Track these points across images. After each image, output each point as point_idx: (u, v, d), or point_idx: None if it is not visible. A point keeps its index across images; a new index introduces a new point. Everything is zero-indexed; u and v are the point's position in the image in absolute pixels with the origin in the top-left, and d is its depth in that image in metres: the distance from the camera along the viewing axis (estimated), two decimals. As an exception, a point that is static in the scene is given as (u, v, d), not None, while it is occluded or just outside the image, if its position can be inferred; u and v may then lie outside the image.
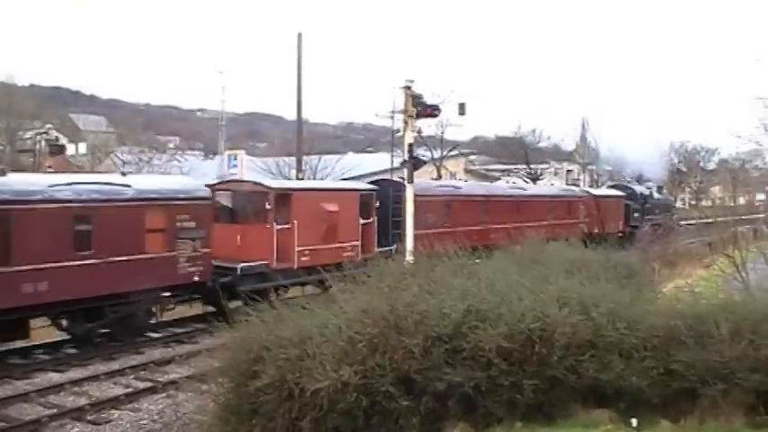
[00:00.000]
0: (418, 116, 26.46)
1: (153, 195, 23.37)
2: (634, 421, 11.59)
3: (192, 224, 24.04)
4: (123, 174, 26.75)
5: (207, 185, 27.09)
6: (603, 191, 60.18)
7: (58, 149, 32.21)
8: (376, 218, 31.17)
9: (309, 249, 27.62)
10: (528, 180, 79.06)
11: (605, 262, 18.76)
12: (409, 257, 21.85)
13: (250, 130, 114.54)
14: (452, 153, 70.57)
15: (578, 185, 65.49)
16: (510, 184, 59.58)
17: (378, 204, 31.32)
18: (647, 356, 11.99)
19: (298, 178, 42.25)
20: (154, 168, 46.01)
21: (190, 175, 49.29)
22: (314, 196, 29.41)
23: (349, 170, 51.04)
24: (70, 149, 46.21)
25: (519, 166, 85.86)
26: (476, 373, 11.40)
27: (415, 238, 26.43)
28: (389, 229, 31.42)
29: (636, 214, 56.86)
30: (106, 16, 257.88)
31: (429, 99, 27.42)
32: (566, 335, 11.83)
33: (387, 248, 28.82)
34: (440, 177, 58.08)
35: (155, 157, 59.87)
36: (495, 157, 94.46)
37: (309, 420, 11.08)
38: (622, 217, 55.64)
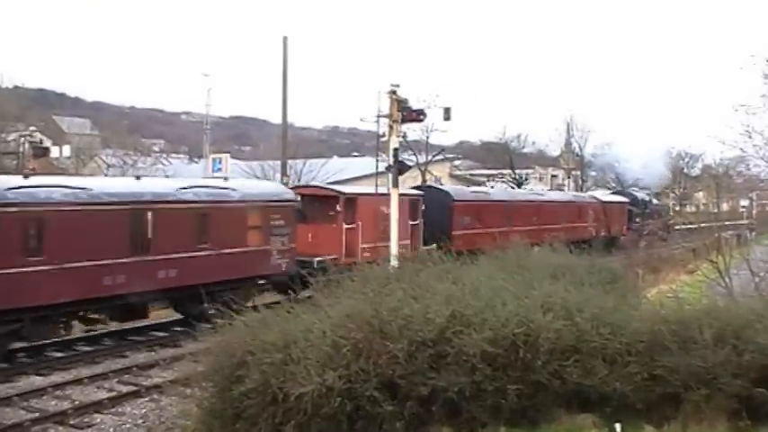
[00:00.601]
0: (403, 121, 26.45)
1: (253, 198, 27.14)
2: (618, 426, 11.64)
3: (282, 223, 27.64)
4: (225, 179, 30.10)
5: (284, 189, 31.40)
6: (609, 197, 63.32)
7: (41, 152, 32.09)
8: (422, 220, 35.44)
9: (370, 246, 30.95)
10: (513, 186, 79.22)
11: (589, 267, 18.81)
12: (394, 262, 21.82)
13: (235, 134, 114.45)
14: (437, 158, 70.65)
15: (563, 191, 67.50)
16: (528, 191, 63.45)
17: (424, 208, 35.70)
18: (630, 362, 12.05)
19: (282, 182, 42.22)
20: (138, 172, 45.76)
21: (174, 178, 49.18)
22: (374, 201, 32.23)
23: (334, 174, 51.02)
24: (54, 152, 45.98)
25: (504, 172, 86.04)
26: (460, 378, 11.41)
27: (454, 236, 34.51)
28: (434, 230, 35.05)
29: (638, 219, 60.53)
30: (91, 18, 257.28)
31: (414, 104, 27.44)
32: (550, 340, 11.86)
33: (430, 246, 30.90)
34: (425, 182, 58.07)
35: (139, 160, 59.64)
36: (480, 162, 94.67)
37: (293, 425, 11.05)
38: (626, 221, 59.37)
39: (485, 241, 31.76)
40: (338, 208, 31.21)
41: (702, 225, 37.17)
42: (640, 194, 66.47)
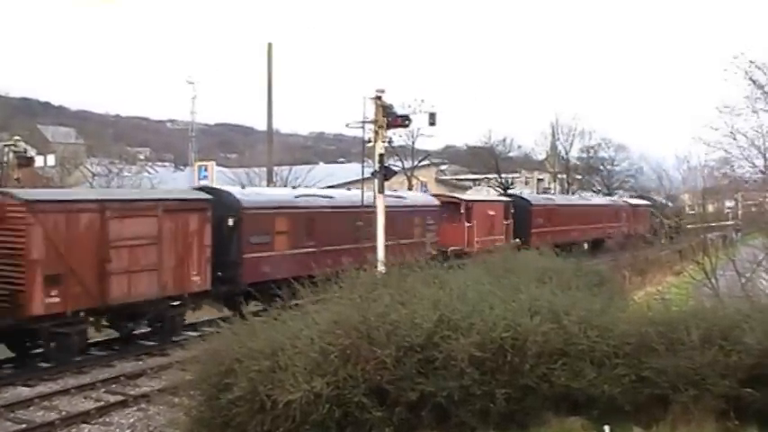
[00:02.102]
0: (389, 126, 26.42)
1: (415, 204, 38.52)
2: (607, 429, 11.67)
3: (432, 222, 38.31)
4: (348, 189, 37.76)
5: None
6: (636, 201, 73.63)
7: (26, 161, 31.87)
8: (513, 220, 46.91)
9: (481, 239, 42.14)
10: (499, 190, 79.40)
11: (576, 270, 18.85)
12: (381, 267, 21.80)
13: (221, 141, 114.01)
14: (423, 163, 70.66)
15: (549, 194, 69.85)
16: (578, 197, 74.35)
17: (513, 211, 47.40)
18: (618, 364, 12.07)
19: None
20: (124, 180, 45.59)
21: (160, 186, 49.02)
22: (483, 205, 45.34)
23: (320, 181, 51.00)
24: (39, 161, 45.68)
25: (490, 176, 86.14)
26: (448, 383, 11.41)
27: (533, 233, 46.26)
28: (520, 228, 46.53)
29: (657, 219, 65.76)
30: (75, 27, 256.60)
31: (399, 109, 27.43)
32: (537, 343, 11.89)
33: (517, 240, 42.69)
34: (411, 188, 58.16)
35: (125, 168, 59.39)
36: (466, 166, 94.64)
37: (282, 432, 11.02)
38: (648, 221, 66.62)
39: (553, 237, 43.93)
40: (461, 211, 42.48)
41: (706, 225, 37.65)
42: (659, 198, 72.97)
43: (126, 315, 23.05)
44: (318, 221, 29.72)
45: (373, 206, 26.36)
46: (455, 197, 46.06)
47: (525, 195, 56.49)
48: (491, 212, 44.90)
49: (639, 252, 47.62)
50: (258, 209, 27.35)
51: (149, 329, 24.48)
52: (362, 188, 29.19)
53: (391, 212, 29.56)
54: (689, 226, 42.37)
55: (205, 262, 24.87)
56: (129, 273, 22.17)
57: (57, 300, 20.09)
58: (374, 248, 25.69)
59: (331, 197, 32.86)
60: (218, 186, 31.93)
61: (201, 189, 29.02)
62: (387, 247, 25.89)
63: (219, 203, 26.14)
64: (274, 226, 27.78)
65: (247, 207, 27.01)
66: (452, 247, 38.14)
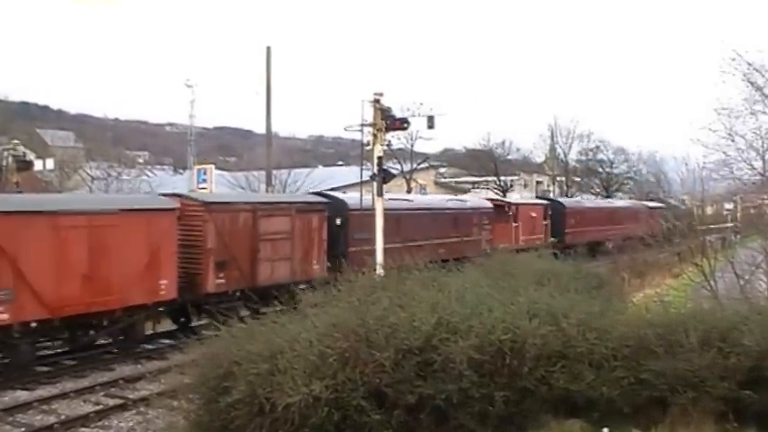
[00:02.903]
0: (387, 129, 26.44)
1: (474, 207, 44.53)
2: (605, 431, 11.65)
3: (487, 222, 44.00)
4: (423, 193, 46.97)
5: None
6: (653, 204, 76.17)
7: (25, 165, 31.86)
8: (550, 221, 52.80)
9: (525, 238, 48.60)
10: (498, 192, 79.45)
11: (575, 273, 18.88)
12: (380, 270, 21.80)
13: (219, 145, 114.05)
14: (422, 166, 70.70)
15: (548, 196, 70.34)
16: (606, 200, 78.91)
17: (550, 213, 53.52)
18: (617, 366, 12.07)
19: (267, 192, 42.22)
20: (123, 184, 45.62)
21: (159, 189, 49.06)
22: (527, 208, 51.77)
23: (319, 184, 51.02)
24: (38, 165, 45.69)
25: (488, 179, 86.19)
26: (447, 386, 11.41)
27: (566, 233, 53.33)
28: (556, 228, 52.95)
29: (668, 221, 69.82)
30: (74, 31, 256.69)
31: (398, 112, 27.44)
32: (536, 346, 11.88)
33: (554, 239, 50.81)
34: (410, 190, 58.20)
35: (124, 172, 59.41)
36: (464, 169, 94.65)
37: (281, 436, 11.02)
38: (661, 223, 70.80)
39: (584, 237, 52.64)
40: (509, 213, 48.53)
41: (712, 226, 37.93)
42: (673, 201, 74.48)
43: (269, 294, 26.06)
44: (403, 221, 34.21)
45: (443, 208, 36.90)
46: (504, 201, 51.51)
47: (560, 199, 62.80)
48: (533, 214, 51.59)
49: (638, 254, 47.69)
50: (360, 210, 30.30)
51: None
52: (361, 191, 29.22)
53: (456, 214, 40.99)
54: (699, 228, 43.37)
55: (323, 254, 30.45)
56: (272, 261, 27.87)
57: (223, 281, 25.71)
58: (443, 244, 36.61)
59: (410, 200, 41.66)
60: (329, 192, 37.23)
61: (318, 194, 34.85)
62: (452, 243, 37.92)
63: (331, 206, 31.91)
64: (371, 225, 30.02)
65: (352, 209, 31.65)
66: (502, 245, 42.98)
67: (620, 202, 77.41)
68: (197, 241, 24.99)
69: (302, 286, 24.80)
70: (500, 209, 47.18)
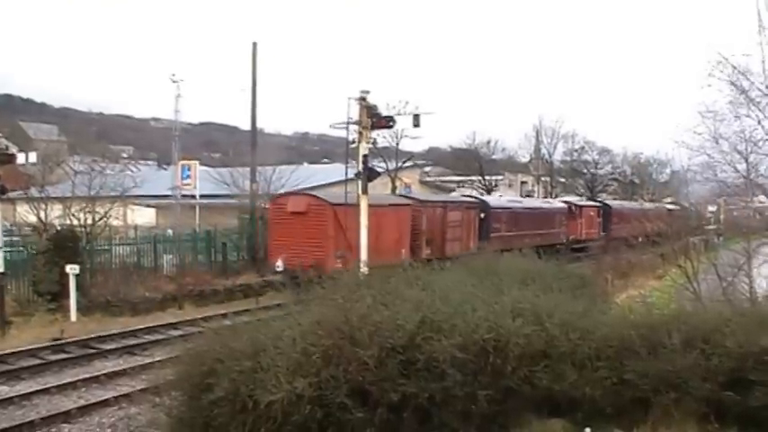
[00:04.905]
0: (373, 127, 26.47)
1: (554, 207, 58.90)
2: (588, 431, 11.69)
3: (564, 218, 57.12)
4: (462, 191, 62.40)
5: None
6: (670, 206, 78.54)
7: (7, 158, 31.60)
8: (601, 219, 63.82)
9: (587, 231, 60.34)
10: (483, 191, 79.57)
11: (559, 273, 18.91)
12: (363, 269, 21.81)
13: (204, 141, 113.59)
14: (407, 164, 70.58)
15: (532, 196, 71.61)
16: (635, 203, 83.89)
17: (602, 212, 64.95)
18: (600, 366, 12.11)
19: (251, 189, 42.12)
20: (107, 179, 45.26)
21: (143, 185, 48.84)
22: (587, 209, 63.39)
23: (303, 181, 50.90)
24: (20, 158, 45.46)
25: (473, 178, 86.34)
26: (430, 385, 11.41)
27: (611, 229, 62.41)
28: (605, 224, 63.85)
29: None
30: (58, 24, 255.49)
31: (384, 110, 27.47)
32: (519, 345, 11.91)
33: (603, 234, 61.16)
34: (395, 189, 58.12)
35: (107, 167, 59.03)
36: (450, 168, 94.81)
37: (263, 433, 10.99)
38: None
39: (620, 231, 57.58)
40: (576, 212, 59.97)
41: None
42: (684, 203, 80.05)
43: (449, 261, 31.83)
44: (518, 217, 50.12)
45: (539, 208, 54.08)
46: (573, 203, 63.80)
47: (607, 201, 73.56)
48: (591, 213, 63.53)
49: (622, 255, 47.87)
50: (495, 208, 48.07)
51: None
52: (345, 189, 29.22)
53: (546, 212, 56.25)
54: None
55: (476, 236, 43.63)
56: (452, 240, 40.83)
57: (429, 252, 37.93)
58: (539, 234, 49.76)
59: (520, 201, 59.54)
60: (477, 196, 59.31)
61: (470, 197, 54.25)
62: (544, 234, 50.89)
63: (480, 205, 47.16)
64: (501, 219, 47.95)
65: (492, 207, 47.99)
66: (572, 236, 57.37)
67: (648, 204, 79.28)
68: (417, 226, 37.71)
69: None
70: (570, 208, 60.02)
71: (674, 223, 37.10)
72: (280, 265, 31.71)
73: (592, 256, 48.79)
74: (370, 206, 28.20)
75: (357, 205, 28.40)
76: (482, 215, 45.20)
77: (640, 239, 58.46)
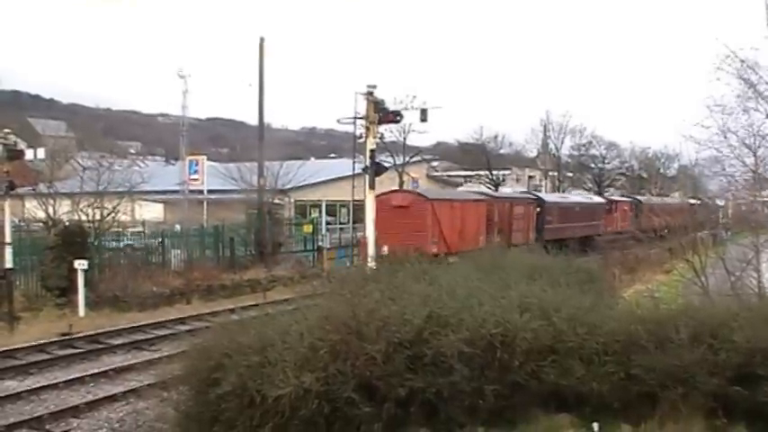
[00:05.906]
0: (380, 122, 26.46)
1: (594, 202, 65.77)
2: (595, 426, 11.68)
3: (603, 212, 63.71)
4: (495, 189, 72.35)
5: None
6: (694, 201, 79.80)
7: (16, 154, 31.66)
8: (633, 212, 69.12)
9: (621, 224, 65.69)
10: (490, 186, 79.51)
11: (566, 267, 18.85)
12: (371, 263, 21.82)
13: (212, 136, 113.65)
14: (415, 159, 70.57)
15: (540, 191, 71.28)
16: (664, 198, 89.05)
17: (634, 206, 70.87)
18: (607, 361, 12.08)
19: (259, 184, 42.16)
20: (115, 174, 45.35)
21: (151, 180, 48.92)
22: (621, 203, 70.08)
23: (311, 176, 50.91)
24: (29, 154, 45.53)
25: (481, 173, 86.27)
26: (437, 379, 11.40)
27: (654, 219, 60.12)
28: (635, 218, 67.58)
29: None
30: (66, 20, 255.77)
31: (391, 105, 27.45)
32: (527, 340, 11.88)
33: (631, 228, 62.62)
34: (402, 184, 58.13)
35: (115, 162, 59.07)
36: (457, 163, 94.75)
37: (271, 428, 10.98)
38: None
39: (650, 223, 58.28)
40: (611, 207, 66.55)
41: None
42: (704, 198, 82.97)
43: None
44: (568, 210, 56.89)
45: (584, 203, 62.13)
46: (607, 198, 72.70)
47: (639, 197, 78.77)
48: (625, 208, 69.85)
49: (629, 250, 47.92)
50: (549, 203, 53.89)
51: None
52: (353, 184, 29.24)
53: (589, 206, 62.36)
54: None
55: (533, 228, 49.93)
56: (516, 231, 47.26)
57: (499, 240, 42.44)
58: (584, 226, 57.57)
59: (568, 197, 66.28)
60: (534, 192, 65.35)
61: (529, 193, 61.55)
62: (587, 226, 58.09)
63: (536, 200, 52.86)
64: (554, 212, 53.85)
65: (547, 202, 53.79)
66: (609, 228, 62.86)
67: (672, 199, 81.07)
68: (490, 218, 44.13)
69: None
70: (607, 204, 66.94)
71: (696, 216, 37.32)
72: (385, 250, 32.91)
73: (616, 247, 51.95)
74: (457, 201, 42.12)
75: (450, 200, 40.82)
76: (538, 209, 51.50)
77: (666, 230, 60.47)
